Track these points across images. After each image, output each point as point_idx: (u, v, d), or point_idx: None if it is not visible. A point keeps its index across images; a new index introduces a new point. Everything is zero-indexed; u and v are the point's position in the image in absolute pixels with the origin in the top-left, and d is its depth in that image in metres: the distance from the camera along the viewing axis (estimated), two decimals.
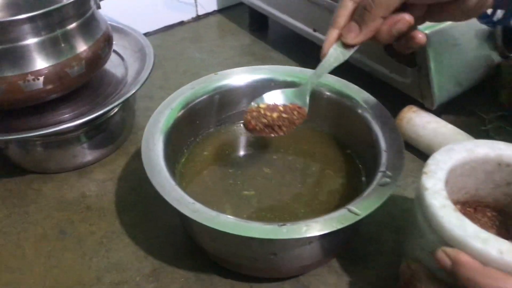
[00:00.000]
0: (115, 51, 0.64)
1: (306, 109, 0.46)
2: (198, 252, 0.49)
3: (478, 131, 0.62)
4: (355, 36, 0.42)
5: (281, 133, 0.45)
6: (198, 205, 0.40)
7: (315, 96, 0.49)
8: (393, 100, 0.65)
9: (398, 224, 0.52)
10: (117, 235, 0.52)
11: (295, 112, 0.46)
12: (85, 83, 0.57)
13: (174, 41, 0.87)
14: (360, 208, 0.40)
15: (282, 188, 0.50)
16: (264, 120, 0.45)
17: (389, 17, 0.41)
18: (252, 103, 0.47)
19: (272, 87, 0.55)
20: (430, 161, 0.39)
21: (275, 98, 0.47)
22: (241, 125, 0.55)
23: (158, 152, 0.45)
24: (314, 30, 0.72)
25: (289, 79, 0.55)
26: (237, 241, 0.41)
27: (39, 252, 0.50)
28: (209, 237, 0.43)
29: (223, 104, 0.55)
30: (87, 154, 0.59)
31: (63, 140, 0.57)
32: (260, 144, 0.55)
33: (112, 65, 0.63)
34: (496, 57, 0.64)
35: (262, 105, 0.47)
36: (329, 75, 0.55)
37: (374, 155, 0.46)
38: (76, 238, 0.51)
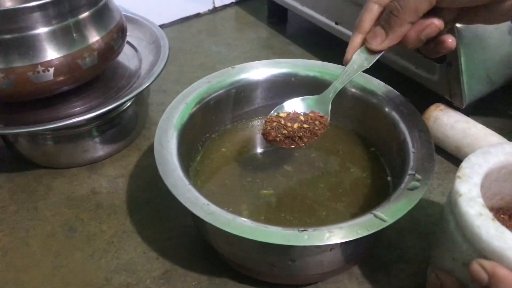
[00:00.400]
0: (129, 43, 0.62)
1: (328, 118, 0.44)
2: (212, 255, 0.46)
3: (509, 133, 0.58)
4: (381, 42, 0.39)
5: (302, 144, 0.44)
6: (213, 207, 0.38)
7: (339, 92, 0.46)
8: (419, 97, 0.62)
9: (422, 230, 0.49)
10: (128, 234, 0.50)
11: (317, 122, 0.44)
12: (98, 75, 0.55)
13: (190, 33, 0.85)
14: (387, 214, 0.37)
15: (303, 188, 0.47)
16: (285, 131, 0.44)
17: (417, 22, 0.38)
18: (272, 112, 0.45)
19: (292, 82, 0.52)
20: (465, 164, 0.36)
21: (295, 106, 0.45)
22: (260, 134, 0.52)
23: (171, 150, 0.42)
24: (336, 24, 0.69)
25: (311, 73, 0.52)
26: (254, 246, 0.39)
27: (47, 250, 0.48)
28: (224, 241, 0.41)
29: (240, 99, 0.53)
30: (98, 149, 0.57)
31: (74, 134, 0.55)
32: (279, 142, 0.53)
33: (126, 57, 0.61)
34: None
35: (282, 114, 0.45)
36: None
37: (402, 156, 0.43)
38: (86, 236, 0.49)
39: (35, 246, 0.48)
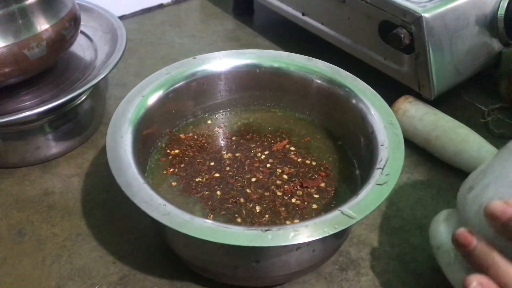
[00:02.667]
0: (83, 33, 0.58)
1: None
2: (172, 258, 0.44)
3: (477, 124, 0.58)
4: None
5: None
6: (169, 207, 0.35)
7: (305, 83, 0.44)
8: (388, 90, 0.61)
9: (392, 225, 0.48)
10: (82, 237, 0.46)
11: None
12: (48, 67, 0.51)
13: (152, 25, 0.81)
14: (355, 210, 0.35)
15: (267, 183, 0.45)
16: None
17: None
18: None
19: (257, 74, 0.50)
20: None
21: None
22: (223, 129, 0.50)
23: (125, 146, 0.39)
24: (303, 14, 0.67)
25: (275, 64, 0.49)
26: (215, 248, 0.36)
27: None
28: (183, 243, 0.38)
29: (202, 91, 0.50)
30: (51, 146, 0.53)
31: (25, 130, 0.51)
32: (243, 136, 0.50)
33: (80, 48, 0.57)
34: (497, 45, 0.59)
35: None
36: (320, 60, 0.50)
37: (370, 149, 0.41)
38: (36, 241, 0.46)
39: None
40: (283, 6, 0.70)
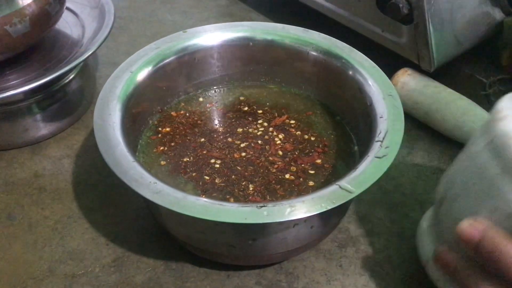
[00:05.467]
0: (70, 10, 0.56)
1: None
2: (167, 238, 0.42)
3: (477, 96, 0.56)
4: None
5: None
6: (160, 185, 0.33)
7: (299, 56, 0.42)
8: (386, 63, 0.59)
9: (392, 201, 0.46)
10: (74, 220, 0.45)
11: None
12: (33, 44, 0.50)
13: (143, 1, 0.78)
14: (354, 185, 0.34)
15: (261, 160, 0.43)
16: None
17: None
18: None
19: (250, 47, 0.48)
20: (502, 104, 0.33)
21: None
22: (216, 106, 0.48)
23: (114, 124, 0.38)
24: None
25: (269, 37, 0.48)
26: (210, 226, 0.35)
27: None
28: (177, 222, 0.37)
29: (194, 66, 0.48)
30: (40, 128, 0.52)
31: (12, 111, 0.50)
32: (237, 113, 0.49)
33: (67, 25, 0.55)
34: (498, 14, 0.57)
35: None
36: (316, 32, 0.49)
37: (369, 122, 0.40)
38: (27, 224, 0.45)
39: None
40: None
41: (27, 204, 0.46)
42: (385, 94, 0.41)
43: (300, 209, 0.32)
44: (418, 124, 0.54)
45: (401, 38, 0.54)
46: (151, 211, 0.41)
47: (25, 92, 0.47)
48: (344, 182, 0.34)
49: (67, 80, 0.52)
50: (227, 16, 0.75)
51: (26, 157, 0.51)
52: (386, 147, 0.36)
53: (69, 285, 0.40)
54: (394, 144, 0.36)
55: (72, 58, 0.50)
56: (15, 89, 0.45)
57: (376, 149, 0.36)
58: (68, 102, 0.53)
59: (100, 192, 0.47)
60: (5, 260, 0.42)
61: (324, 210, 0.32)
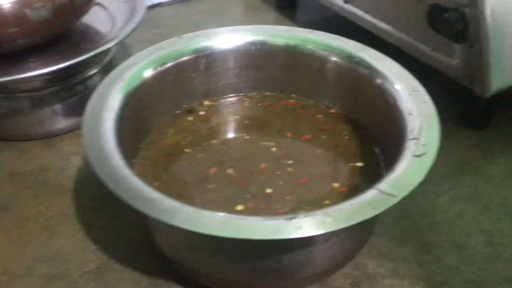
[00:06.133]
0: (103, 6, 0.55)
1: None
2: (156, 253, 0.38)
3: None
4: None
5: None
6: (167, 201, 0.29)
7: (309, 59, 0.40)
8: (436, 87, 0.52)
9: (424, 240, 0.39)
10: (67, 218, 0.42)
11: None
12: (58, 35, 0.48)
13: (189, 13, 0.77)
14: (395, 187, 0.29)
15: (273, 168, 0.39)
16: None
17: None
18: None
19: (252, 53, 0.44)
20: None
21: None
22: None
23: (107, 134, 0.34)
24: (345, 2, 0.60)
25: (291, 42, 0.44)
26: (226, 246, 0.31)
27: None
28: (183, 246, 0.33)
29: (190, 77, 0.44)
30: (57, 121, 0.50)
31: (31, 99, 0.49)
32: (251, 126, 0.44)
33: (98, 21, 0.54)
34: None
35: None
36: (323, 32, 0.45)
37: (395, 122, 0.36)
38: (18, 217, 0.42)
39: None
40: None
41: (24, 197, 0.44)
42: (411, 91, 0.36)
43: (339, 218, 0.27)
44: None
45: (453, 58, 0.48)
46: (148, 234, 0.37)
47: (41, 79, 0.45)
48: (384, 185, 0.29)
49: (89, 74, 0.50)
50: None
51: (37, 150, 0.49)
52: (423, 145, 0.32)
53: None
54: (432, 141, 0.32)
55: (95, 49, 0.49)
56: (32, 71, 0.43)
57: (412, 147, 0.32)
58: (88, 97, 0.51)
59: (100, 194, 0.44)
60: None
61: (370, 216, 0.28)
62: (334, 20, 0.64)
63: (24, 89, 0.48)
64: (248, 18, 0.77)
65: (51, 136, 0.51)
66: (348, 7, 0.60)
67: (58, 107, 0.50)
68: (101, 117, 0.35)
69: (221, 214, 0.28)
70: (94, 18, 0.54)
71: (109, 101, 0.36)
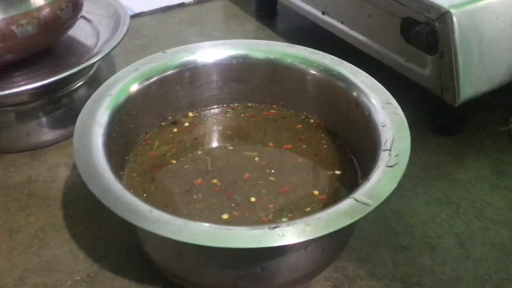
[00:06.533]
0: (85, 18, 0.56)
1: None
2: (145, 260, 0.39)
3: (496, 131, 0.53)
4: None
5: None
6: (157, 213, 0.30)
7: (289, 73, 0.42)
8: (410, 95, 0.55)
9: (399, 243, 0.42)
10: (56, 229, 0.43)
11: None
12: (43, 49, 0.49)
13: (171, 23, 0.79)
14: (370, 197, 0.31)
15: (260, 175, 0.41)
16: None
17: None
18: None
19: (234, 66, 0.46)
20: None
21: None
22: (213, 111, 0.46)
23: (97, 150, 0.35)
24: (323, 13, 0.63)
25: (271, 56, 0.45)
26: (214, 256, 0.32)
27: None
28: (172, 256, 0.34)
29: (174, 91, 0.46)
30: (42, 133, 0.51)
31: (16, 113, 0.49)
32: (234, 136, 0.46)
33: (83, 34, 0.55)
34: None
35: None
36: (302, 46, 0.47)
37: (369, 133, 0.38)
38: (8, 229, 0.43)
39: None
40: (304, 5, 0.66)
41: (13, 209, 0.45)
42: (384, 103, 0.38)
43: (318, 226, 0.29)
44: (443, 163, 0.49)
45: (425, 68, 0.50)
46: (139, 244, 0.38)
47: (27, 93, 0.46)
48: (360, 195, 0.31)
49: (75, 87, 0.51)
50: None
51: (24, 162, 0.50)
52: (396, 155, 0.34)
53: None
54: (403, 152, 0.34)
55: (80, 63, 0.50)
56: (18, 87, 0.44)
57: (385, 158, 0.34)
58: (74, 110, 0.52)
59: (88, 204, 0.45)
60: None
61: (346, 224, 0.30)
62: (312, 29, 0.66)
63: (11, 103, 0.48)
64: (228, 27, 0.78)
65: (37, 148, 0.51)
66: (326, 18, 0.62)
67: (44, 119, 0.51)
68: (91, 133, 0.36)
69: (207, 225, 0.30)
70: (78, 31, 0.55)
71: (97, 117, 0.38)
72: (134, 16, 0.78)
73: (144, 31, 0.75)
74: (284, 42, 0.72)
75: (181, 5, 0.83)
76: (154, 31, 0.75)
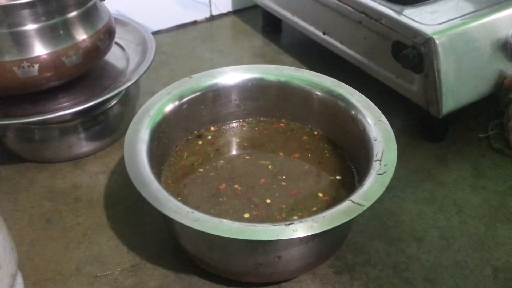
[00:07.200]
0: (118, 44, 0.64)
1: None
2: (180, 252, 0.47)
3: (476, 137, 0.61)
4: None
5: None
6: (198, 214, 0.38)
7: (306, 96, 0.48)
8: (399, 107, 0.63)
9: (391, 236, 0.50)
10: (102, 228, 0.51)
11: None
12: (84, 73, 0.57)
13: (185, 40, 0.87)
14: (364, 199, 0.39)
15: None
16: None
17: None
18: None
19: (249, 87, 0.54)
20: None
21: None
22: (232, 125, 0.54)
23: (143, 163, 0.43)
24: (324, 33, 0.70)
25: (282, 79, 0.54)
26: (240, 246, 0.40)
27: (23, 240, 0.49)
28: (208, 247, 0.42)
29: (199, 111, 0.54)
30: (83, 146, 0.59)
31: (60, 129, 0.57)
32: (250, 147, 0.54)
33: (115, 58, 0.63)
34: (511, 68, 0.60)
35: None
36: (306, 70, 0.55)
37: (364, 146, 0.46)
38: (62, 228, 0.51)
39: (11, 236, 0.50)
40: (307, 26, 0.73)
41: (64, 211, 0.53)
42: (376, 120, 0.46)
43: (323, 223, 0.37)
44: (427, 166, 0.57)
45: (413, 85, 0.58)
46: (175, 238, 0.45)
47: (72, 114, 0.54)
48: (356, 197, 0.39)
49: (109, 106, 0.59)
50: (259, 56, 0.81)
51: (68, 170, 0.58)
52: (385, 165, 0.41)
53: (91, 283, 0.45)
54: (391, 162, 0.42)
55: (115, 86, 0.58)
56: (65, 110, 0.52)
57: (376, 167, 0.42)
58: (109, 125, 0.60)
59: (127, 205, 0.53)
60: (40, 256, 0.48)
61: (344, 221, 0.37)
62: (314, 45, 0.73)
63: (55, 121, 0.56)
64: (238, 43, 0.86)
65: (78, 158, 0.59)
66: (326, 38, 0.70)
67: (83, 134, 0.58)
68: (137, 149, 0.44)
69: (237, 223, 0.38)
70: (110, 55, 0.62)
71: (140, 134, 0.46)
72: (153, 34, 0.86)
73: (162, 48, 0.83)
74: (289, 56, 0.81)
75: (194, 22, 0.91)
76: (171, 48, 0.83)
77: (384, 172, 0.41)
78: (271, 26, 0.88)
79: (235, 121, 0.56)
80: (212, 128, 0.55)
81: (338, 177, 0.49)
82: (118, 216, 0.52)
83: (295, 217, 0.45)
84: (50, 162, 0.59)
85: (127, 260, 0.48)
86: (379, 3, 0.60)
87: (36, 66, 0.50)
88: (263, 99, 0.55)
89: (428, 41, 0.54)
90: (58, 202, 0.54)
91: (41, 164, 0.59)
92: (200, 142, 0.53)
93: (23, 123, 0.55)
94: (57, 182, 0.56)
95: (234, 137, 0.55)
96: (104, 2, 0.58)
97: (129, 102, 0.64)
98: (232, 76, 0.53)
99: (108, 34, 0.57)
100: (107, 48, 0.57)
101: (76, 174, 0.58)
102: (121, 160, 0.59)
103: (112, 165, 0.59)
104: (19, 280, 0.42)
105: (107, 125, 0.60)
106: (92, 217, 0.52)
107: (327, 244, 0.43)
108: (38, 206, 0.53)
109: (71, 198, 0.54)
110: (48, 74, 0.51)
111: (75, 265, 0.47)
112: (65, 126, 0.57)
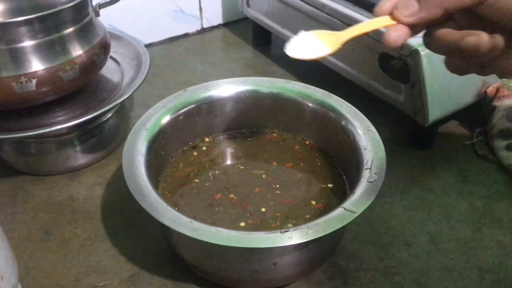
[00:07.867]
0: (113, 58, 0.65)
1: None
2: (177, 261, 0.48)
3: (461, 145, 0.63)
4: (410, 15, 0.33)
5: None
6: (196, 223, 0.39)
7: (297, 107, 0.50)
8: (386, 116, 0.65)
9: (382, 241, 0.51)
10: (100, 238, 0.52)
11: None
12: (80, 87, 0.58)
13: (177, 52, 0.88)
14: (355, 206, 0.40)
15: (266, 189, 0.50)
16: None
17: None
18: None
19: (242, 99, 0.56)
20: None
21: None
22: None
23: (142, 175, 0.44)
24: None
25: (274, 90, 0.56)
26: (237, 254, 0.41)
27: (22, 252, 0.50)
28: (206, 256, 0.43)
29: (194, 122, 0.55)
30: (79, 158, 0.60)
31: (56, 142, 0.58)
32: (243, 157, 0.55)
33: (109, 71, 0.64)
34: (492, 79, 0.63)
35: None
36: (298, 82, 0.56)
37: (354, 153, 0.47)
38: (60, 240, 0.52)
39: None
40: None
41: (62, 223, 0.54)
42: (365, 130, 0.48)
43: (317, 230, 0.38)
44: (414, 174, 0.59)
45: (400, 95, 0.60)
46: (173, 248, 0.47)
47: (69, 127, 0.55)
48: (347, 205, 0.40)
49: (105, 119, 0.60)
50: (250, 68, 0.83)
51: (64, 183, 0.59)
52: (375, 173, 0.43)
53: None
54: (380, 170, 0.44)
55: (111, 100, 0.59)
56: (62, 124, 0.53)
57: (367, 175, 0.43)
58: (104, 137, 0.61)
59: (124, 216, 0.54)
60: (39, 269, 0.49)
61: (337, 228, 0.39)
62: None
63: (52, 135, 0.57)
64: (229, 55, 0.87)
65: (74, 171, 0.60)
66: None
67: (79, 147, 0.59)
68: (135, 162, 0.45)
69: (234, 231, 0.39)
70: (105, 69, 0.64)
71: (138, 147, 0.47)
72: (145, 47, 0.87)
73: (155, 61, 0.84)
74: (279, 67, 0.83)
75: (185, 35, 0.92)
76: (163, 61, 0.85)
77: (374, 180, 0.42)
78: (261, 38, 0.90)
79: (229, 132, 0.57)
80: (207, 139, 0.56)
81: (330, 185, 0.51)
82: (115, 227, 0.53)
83: (289, 225, 0.46)
84: (46, 175, 0.60)
85: (126, 270, 0.48)
86: (367, 17, 0.62)
87: (34, 81, 0.51)
88: (256, 110, 0.56)
89: (413, 52, 0.56)
90: (55, 214, 0.55)
91: (38, 177, 0.59)
92: (195, 153, 0.55)
93: (20, 137, 0.56)
94: (54, 195, 0.57)
95: (228, 147, 0.56)
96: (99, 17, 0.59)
97: (124, 114, 0.65)
98: (225, 88, 0.55)
99: (104, 48, 0.58)
100: (103, 62, 0.58)
101: (72, 186, 0.58)
102: (117, 172, 0.60)
103: (108, 176, 0.60)
104: None
105: (102, 138, 0.61)
106: (89, 228, 0.53)
107: (320, 250, 0.44)
108: (36, 219, 0.54)
109: (68, 210, 0.55)
110: (45, 89, 0.52)
111: (74, 276, 0.48)
112: (62, 139, 0.58)
